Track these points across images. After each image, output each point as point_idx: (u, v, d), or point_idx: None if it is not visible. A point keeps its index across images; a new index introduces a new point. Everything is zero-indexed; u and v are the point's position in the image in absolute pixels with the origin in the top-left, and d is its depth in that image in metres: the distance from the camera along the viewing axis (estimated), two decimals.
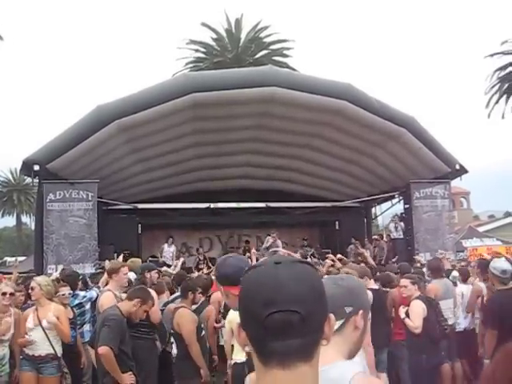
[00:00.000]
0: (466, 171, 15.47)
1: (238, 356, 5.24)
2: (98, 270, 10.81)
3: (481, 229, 30.31)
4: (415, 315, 5.89)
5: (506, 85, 32.35)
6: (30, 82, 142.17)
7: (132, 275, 7.07)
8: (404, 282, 6.38)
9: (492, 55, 32.52)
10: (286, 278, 1.10)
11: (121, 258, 10.16)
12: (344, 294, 1.97)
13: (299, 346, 1.07)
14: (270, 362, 1.09)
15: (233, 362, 5.45)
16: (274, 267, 1.13)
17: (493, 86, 33.13)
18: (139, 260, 7.92)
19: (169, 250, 15.69)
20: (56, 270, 10.93)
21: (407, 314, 5.99)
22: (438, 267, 7.52)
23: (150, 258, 16.38)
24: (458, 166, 15.18)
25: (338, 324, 1.91)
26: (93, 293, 7.48)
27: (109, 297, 6.04)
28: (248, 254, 14.19)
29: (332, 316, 1.15)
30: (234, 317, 5.73)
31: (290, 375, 1.07)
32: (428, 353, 5.80)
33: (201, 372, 5.47)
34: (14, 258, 29.85)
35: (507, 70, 32.50)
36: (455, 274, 8.15)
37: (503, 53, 32.23)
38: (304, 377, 1.08)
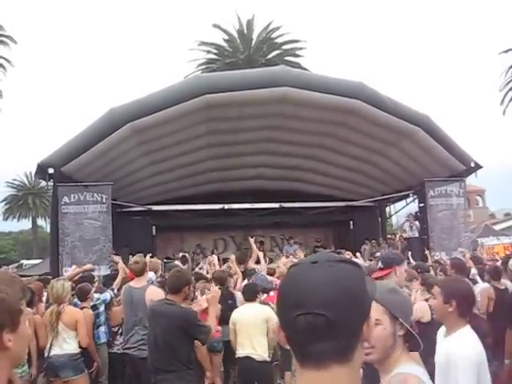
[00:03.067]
0: (480, 167, 15.32)
1: (239, 351, 6.22)
2: (113, 272, 10.84)
3: (497, 227, 29.96)
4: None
5: None
6: (44, 86, 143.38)
7: (151, 275, 7.14)
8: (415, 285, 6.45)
9: (506, 51, 32.27)
10: (318, 280, 1.08)
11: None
12: None
13: (333, 348, 1.06)
14: (306, 362, 1.09)
15: (237, 356, 6.28)
16: (310, 267, 1.12)
17: (508, 83, 32.89)
18: (158, 260, 7.97)
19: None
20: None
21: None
22: (462, 266, 7.36)
23: (165, 260, 16.43)
24: (472, 164, 15.05)
25: None
26: (107, 295, 7.50)
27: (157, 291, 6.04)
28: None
29: (372, 318, 1.14)
30: (236, 316, 6.36)
31: (324, 376, 1.07)
32: (432, 355, 5.58)
33: (206, 374, 5.45)
34: (30, 261, 30.15)
35: None
36: (474, 271, 8.00)
37: None
38: (339, 378, 1.07)
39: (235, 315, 6.44)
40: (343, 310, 1.06)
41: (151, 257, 10.75)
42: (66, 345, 5.85)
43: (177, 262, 13.27)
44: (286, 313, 1.10)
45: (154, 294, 5.90)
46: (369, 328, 1.12)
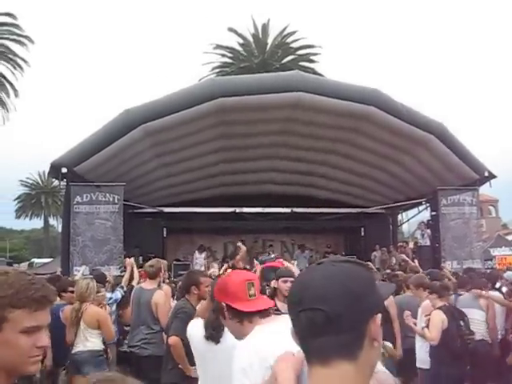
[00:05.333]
0: (494, 176, 15.20)
1: None
2: (123, 273, 10.88)
3: (509, 237, 29.72)
4: (433, 326, 5.68)
5: None
6: (60, 86, 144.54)
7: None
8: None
9: None
10: (316, 278, 1.13)
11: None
12: None
13: (335, 343, 1.08)
14: (311, 359, 1.12)
15: None
16: (314, 268, 1.18)
17: None
18: (164, 261, 8.08)
19: (200, 257, 15.84)
20: (82, 272, 11.02)
21: (428, 325, 5.82)
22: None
23: (174, 262, 16.47)
24: (486, 173, 14.93)
25: None
26: (118, 294, 7.61)
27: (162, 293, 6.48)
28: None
29: (378, 316, 1.14)
30: None
31: (330, 372, 1.08)
32: (448, 365, 5.55)
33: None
34: (41, 260, 30.36)
35: None
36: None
37: None
38: (346, 375, 1.08)
39: None
40: (340, 304, 1.08)
41: (154, 257, 10.83)
42: (88, 343, 5.93)
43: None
44: (292, 311, 1.15)
45: (159, 296, 6.37)
46: (376, 327, 1.12)
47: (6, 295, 1.44)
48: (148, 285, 6.62)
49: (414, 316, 6.27)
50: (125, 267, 11.33)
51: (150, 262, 7.04)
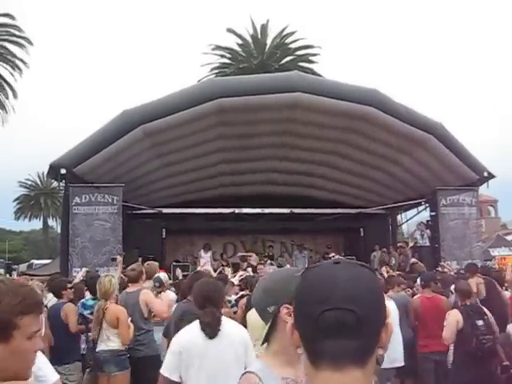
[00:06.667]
0: (493, 176, 15.18)
1: None
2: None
3: (509, 237, 29.69)
4: (447, 326, 5.60)
5: None
6: (58, 87, 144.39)
7: (163, 275, 7.58)
8: None
9: None
10: (344, 277, 1.08)
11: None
12: None
13: (354, 348, 1.03)
14: (321, 362, 1.05)
15: None
16: (333, 267, 1.12)
17: None
18: (156, 263, 8.06)
19: (206, 256, 15.64)
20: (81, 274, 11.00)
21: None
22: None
23: (173, 263, 16.44)
24: (485, 173, 14.91)
25: None
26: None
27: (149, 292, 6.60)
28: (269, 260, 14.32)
29: (390, 323, 1.11)
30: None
31: (341, 378, 1.03)
32: (467, 367, 5.45)
33: None
34: (40, 261, 30.32)
35: None
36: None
37: None
38: (356, 382, 1.03)
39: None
40: (369, 308, 1.05)
41: (153, 259, 10.86)
42: (110, 342, 5.94)
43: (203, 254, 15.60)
44: (308, 309, 1.07)
45: (148, 293, 6.46)
46: (387, 334, 1.09)
47: (17, 303, 1.46)
48: (131, 288, 6.60)
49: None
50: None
51: (131, 266, 6.99)
